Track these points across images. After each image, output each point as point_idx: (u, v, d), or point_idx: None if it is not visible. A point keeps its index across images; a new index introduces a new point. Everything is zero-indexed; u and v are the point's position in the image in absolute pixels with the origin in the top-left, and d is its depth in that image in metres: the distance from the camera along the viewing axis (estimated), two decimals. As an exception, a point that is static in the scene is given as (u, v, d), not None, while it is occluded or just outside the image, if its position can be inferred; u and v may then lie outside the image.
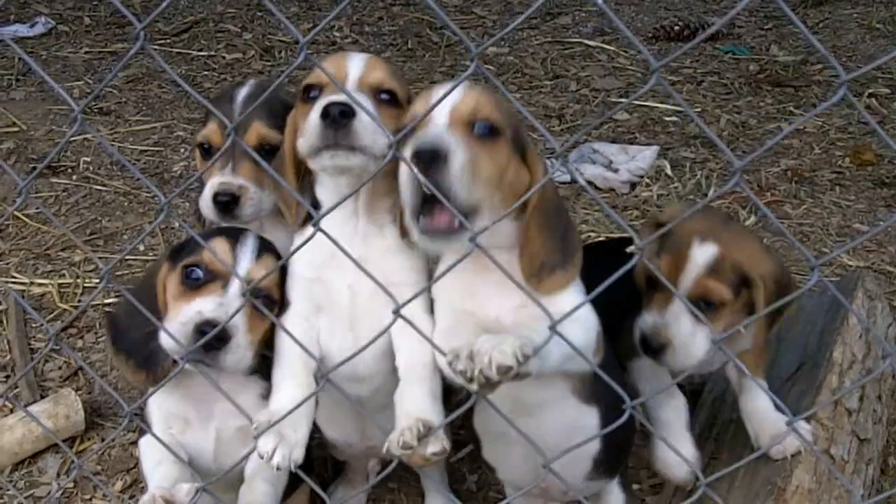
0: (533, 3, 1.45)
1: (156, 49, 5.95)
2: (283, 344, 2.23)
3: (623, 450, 2.51)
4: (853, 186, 4.94)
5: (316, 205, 2.28)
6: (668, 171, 5.08)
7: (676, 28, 6.98)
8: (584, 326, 2.01)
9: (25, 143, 5.45)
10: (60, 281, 4.17)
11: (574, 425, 2.21)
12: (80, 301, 4.04)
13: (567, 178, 4.89)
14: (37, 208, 4.66)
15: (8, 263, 4.30)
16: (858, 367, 2.89)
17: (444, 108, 1.94)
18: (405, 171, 1.89)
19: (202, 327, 2.06)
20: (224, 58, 6.77)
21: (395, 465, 1.97)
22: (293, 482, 2.43)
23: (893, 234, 4.47)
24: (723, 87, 6.21)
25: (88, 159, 5.24)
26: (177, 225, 4.52)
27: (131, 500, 3.06)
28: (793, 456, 2.55)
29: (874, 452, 2.80)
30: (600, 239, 4.29)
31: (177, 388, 2.34)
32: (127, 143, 5.47)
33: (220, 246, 2.21)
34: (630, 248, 1.66)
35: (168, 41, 7.03)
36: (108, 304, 4.00)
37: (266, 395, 2.28)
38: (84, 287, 4.14)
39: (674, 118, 5.71)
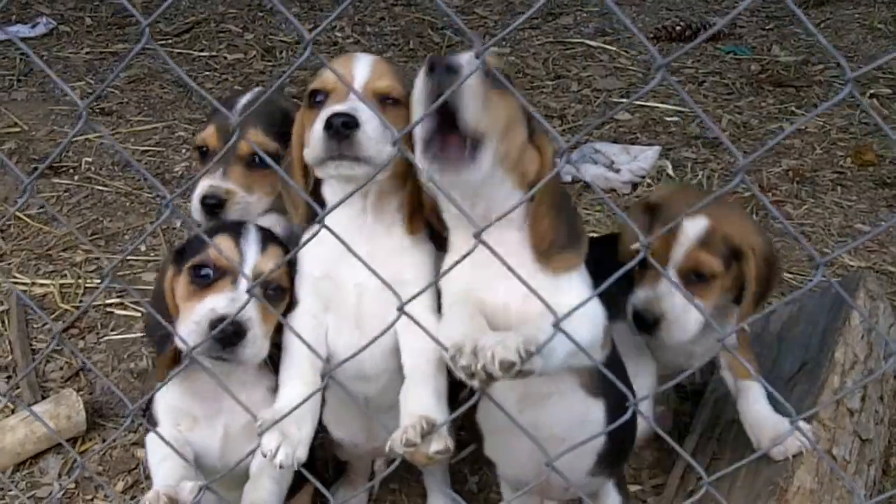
0: (534, 4, 1.45)
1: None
2: (291, 342, 2.23)
3: (626, 445, 2.51)
4: (854, 187, 4.94)
5: (323, 204, 2.28)
6: (670, 172, 5.08)
7: (678, 28, 6.97)
8: (591, 322, 2.00)
9: (27, 143, 5.45)
10: (62, 281, 4.17)
11: (581, 419, 2.21)
12: (81, 301, 4.04)
13: (568, 177, 4.89)
14: (39, 208, 4.66)
15: (10, 264, 4.30)
16: (860, 368, 2.89)
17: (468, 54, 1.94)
18: (419, 91, 1.89)
19: (216, 324, 2.07)
20: (226, 58, 6.77)
21: (397, 463, 1.97)
22: (297, 482, 2.43)
23: (895, 234, 4.47)
24: (724, 88, 6.21)
25: (90, 160, 5.24)
26: (179, 224, 4.52)
27: (133, 500, 3.06)
28: (794, 456, 2.56)
29: (876, 453, 2.80)
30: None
31: (184, 385, 2.35)
32: (129, 144, 5.47)
33: (224, 242, 2.22)
34: (635, 245, 1.67)
35: (170, 41, 7.02)
36: (110, 305, 4.00)
37: (275, 390, 2.29)
38: (85, 287, 4.14)
39: (675, 118, 5.71)
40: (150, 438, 2.39)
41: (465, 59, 1.83)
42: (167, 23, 7.31)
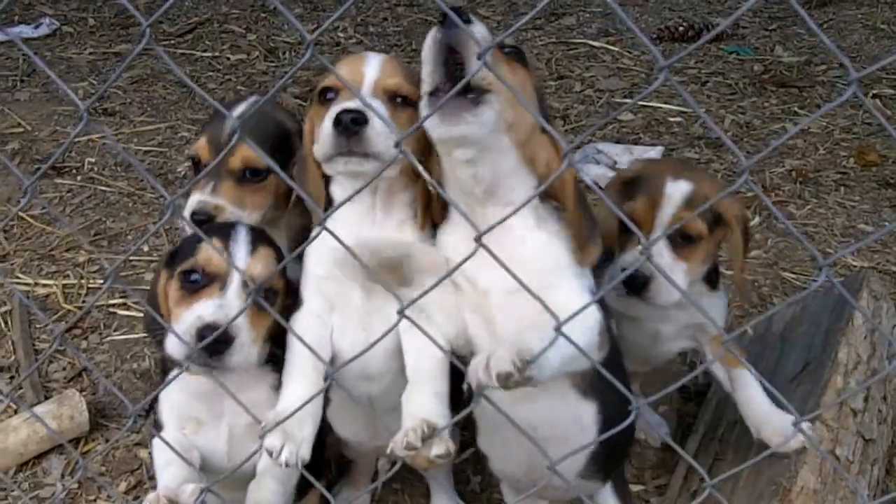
0: (538, 4, 1.45)
1: (160, 50, 5.97)
2: (294, 342, 2.22)
3: (620, 449, 2.50)
4: (857, 187, 4.93)
5: (330, 202, 2.28)
6: (673, 172, 5.07)
7: (681, 29, 6.97)
8: (583, 326, 1.96)
9: (30, 143, 5.45)
10: (65, 282, 4.17)
11: (572, 420, 2.20)
12: (84, 302, 4.04)
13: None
14: (42, 209, 4.67)
15: (12, 264, 4.30)
16: (863, 368, 2.89)
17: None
18: (428, 45, 1.91)
19: (203, 331, 2.05)
20: (228, 59, 6.78)
21: (398, 466, 1.97)
22: (303, 486, 2.43)
23: (898, 234, 4.48)
24: (727, 88, 6.20)
25: (93, 160, 5.25)
26: (181, 225, 4.52)
27: (135, 500, 3.06)
28: (798, 456, 2.55)
29: (879, 453, 2.80)
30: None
31: (186, 389, 2.34)
32: (131, 144, 5.47)
33: (212, 249, 2.20)
34: (637, 248, 1.67)
35: (172, 42, 7.04)
36: (113, 305, 4.01)
37: (278, 387, 2.29)
38: (88, 288, 4.14)
39: (678, 119, 5.71)
40: (156, 442, 2.40)
41: (478, 25, 1.87)
42: (170, 23, 7.33)
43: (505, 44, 2.04)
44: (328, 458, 3.07)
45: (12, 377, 3.61)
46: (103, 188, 4.96)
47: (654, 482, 3.09)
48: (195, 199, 2.50)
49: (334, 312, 2.29)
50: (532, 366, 1.69)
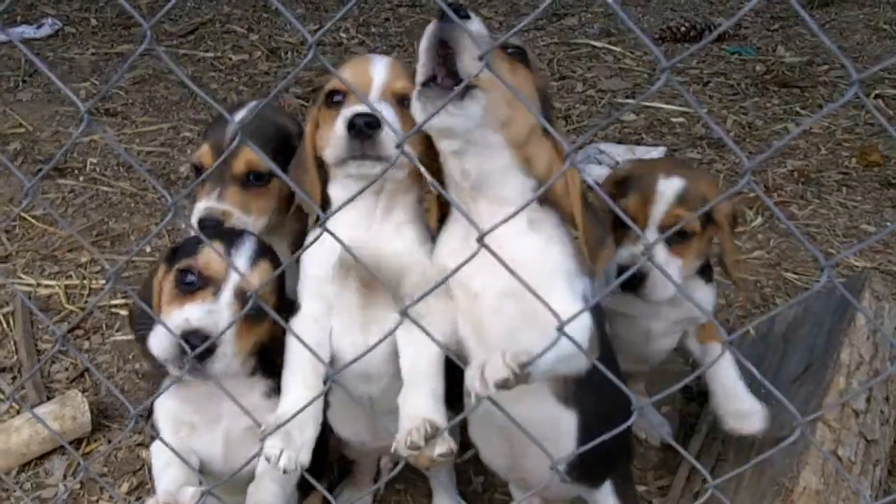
0: (539, 5, 1.45)
1: (162, 50, 5.95)
2: (293, 346, 2.22)
3: (605, 460, 2.46)
4: (860, 187, 4.93)
5: (327, 202, 2.28)
6: (675, 172, 5.07)
7: (682, 29, 6.97)
8: (572, 330, 1.96)
9: (32, 144, 5.45)
10: (67, 282, 4.17)
11: (549, 426, 2.19)
12: (86, 302, 4.04)
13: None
14: (44, 209, 4.66)
15: (15, 265, 4.30)
16: (866, 369, 2.89)
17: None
18: (424, 38, 1.94)
19: (188, 335, 2.03)
20: (230, 59, 6.78)
21: (401, 466, 1.97)
22: (305, 487, 2.43)
23: (900, 234, 4.47)
24: (729, 88, 6.20)
25: (95, 160, 5.25)
26: (183, 226, 4.52)
27: (137, 501, 3.06)
28: (800, 457, 2.55)
29: (882, 454, 2.79)
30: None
31: (179, 393, 2.33)
32: (133, 145, 5.47)
33: (214, 252, 2.19)
34: (638, 248, 1.67)
35: (174, 42, 7.04)
36: (115, 306, 4.01)
37: (270, 394, 2.29)
38: (91, 288, 4.14)
39: (680, 119, 5.71)
40: (154, 446, 2.40)
41: (477, 21, 1.89)
42: (172, 23, 7.33)
43: (509, 44, 2.05)
44: (330, 460, 3.07)
45: (14, 378, 3.61)
46: (105, 189, 4.96)
47: (657, 483, 3.08)
48: (202, 206, 2.50)
49: (333, 314, 2.29)
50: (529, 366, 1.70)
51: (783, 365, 3.07)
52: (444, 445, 1.97)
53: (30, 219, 4.62)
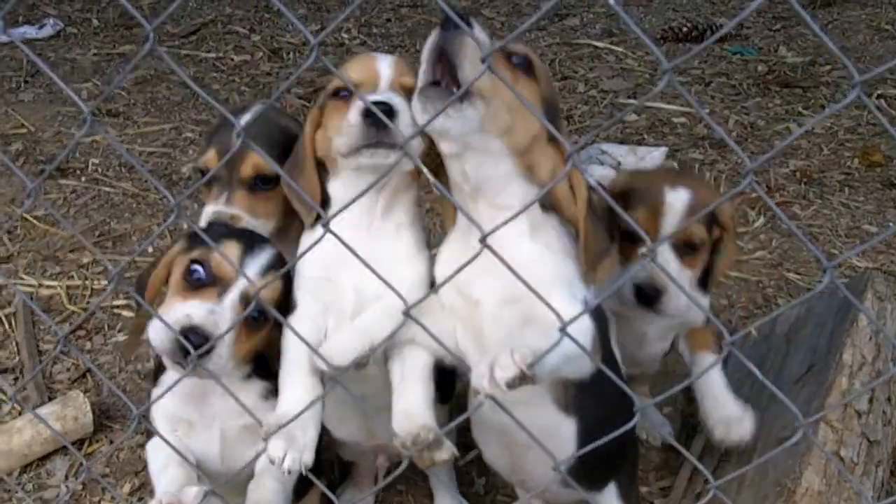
0: (541, 5, 1.45)
1: (164, 51, 5.95)
2: (290, 345, 2.22)
3: (608, 464, 2.47)
4: (862, 187, 4.93)
5: (327, 202, 2.28)
6: (677, 173, 5.07)
7: (684, 29, 6.97)
8: (574, 331, 1.97)
9: (34, 144, 5.46)
10: (69, 283, 4.17)
11: (548, 432, 2.18)
12: (88, 303, 4.04)
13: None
14: (46, 210, 4.66)
15: (16, 265, 4.30)
16: (868, 369, 2.88)
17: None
18: (427, 46, 1.95)
19: (187, 331, 2.03)
20: (232, 59, 6.78)
21: (403, 467, 1.97)
22: (304, 485, 2.42)
23: (903, 235, 4.47)
24: (731, 88, 6.20)
25: (97, 161, 5.25)
26: (185, 226, 4.52)
27: (139, 502, 3.06)
28: (802, 457, 2.55)
29: (884, 454, 2.79)
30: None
31: (176, 390, 2.32)
32: (135, 145, 5.47)
33: (229, 249, 2.18)
34: (642, 250, 1.68)
35: (176, 43, 7.04)
36: (117, 307, 4.01)
37: (267, 396, 2.29)
38: (92, 289, 4.14)
39: (682, 119, 5.70)
40: (151, 446, 2.38)
41: (479, 26, 1.88)
42: (174, 24, 7.33)
43: (514, 51, 2.05)
44: (331, 460, 3.07)
45: (16, 378, 3.61)
46: (107, 189, 4.97)
47: (658, 483, 3.08)
48: (211, 210, 2.50)
49: (329, 314, 2.29)
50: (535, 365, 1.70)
51: (785, 365, 3.07)
52: (447, 452, 1.99)
53: (31, 219, 4.62)
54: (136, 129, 5.68)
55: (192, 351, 1.98)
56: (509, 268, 1.58)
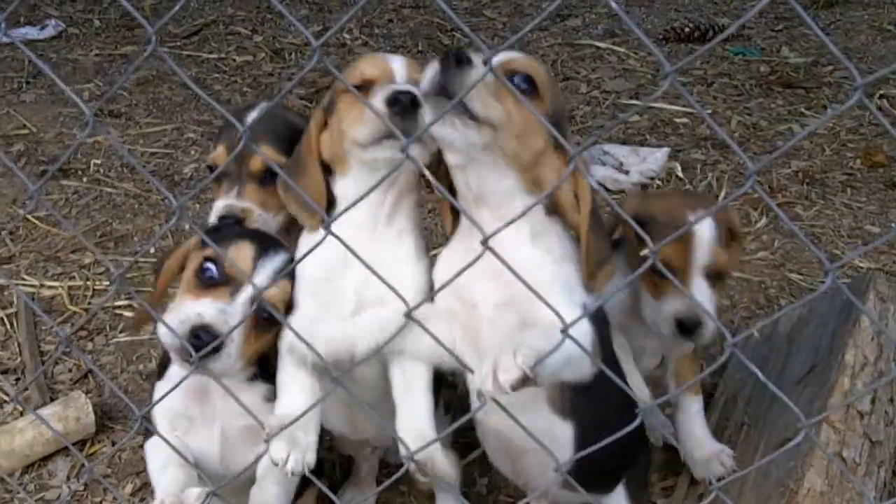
0: (543, 6, 1.45)
1: (166, 52, 5.93)
2: (288, 345, 2.22)
3: (612, 468, 2.47)
4: (864, 188, 4.93)
5: (331, 203, 2.27)
6: (679, 173, 5.07)
7: (686, 30, 6.97)
8: (574, 333, 1.97)
9: (35, 145, 5.46)
10: (70, 283, 4.17)
11: (545, 435, 2.18)
12: (90, 303, 4.04)
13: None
14: (47, 211, 4.66)
15: (18, 266, 4.30)
16: (870, 370, 2.88)
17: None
18: (426, 79, 1.94)
19: (197, 331, 2.03)
20: (234, 60, 6.78)
21: (403, 470, 1.98)
22: (302, 484, 2.42)
23: (905, 235, 4.45)
24: (733, 89, 6.19)
25: (99, 162, 5.25)
26: (187, 227, 4.52)
27: (141, 503, 3.06)
28: (805, 458, 2.55)
29: (886, 455, 2.79)
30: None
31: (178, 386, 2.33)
32: (137, 146, 5.47)
33: (243, 251, 2.19)
34: (644, 252, 1.67)
35: (178, 44, 7.04)
36: (119, 307, 4.01)
37: (270, 398, 2.28)
38: (94, 289, 4.14)
39: (684, 120, 5.70)
40: (149, 446, 2.37)
41: (477, 59, 1.88)
42: (176, 25, 7.33)
43: (516, 70, 2.04)
44: (332, 461, 3.08)
45: (18, 379, 3.61)
46: (109, 190, 4.97)
47: (661, 484, 3.08)
48: (222, 204, 2.52)
49: (328, 314, 2.28)
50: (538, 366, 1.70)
51: (787, 366, 3.07)
52: (452, 471, 2.06)
53: (33, 220, 4.62)
54: (138, 130, 5.68)
55: (194, 353, 1.98)
56: (510, 268, 1.58)
